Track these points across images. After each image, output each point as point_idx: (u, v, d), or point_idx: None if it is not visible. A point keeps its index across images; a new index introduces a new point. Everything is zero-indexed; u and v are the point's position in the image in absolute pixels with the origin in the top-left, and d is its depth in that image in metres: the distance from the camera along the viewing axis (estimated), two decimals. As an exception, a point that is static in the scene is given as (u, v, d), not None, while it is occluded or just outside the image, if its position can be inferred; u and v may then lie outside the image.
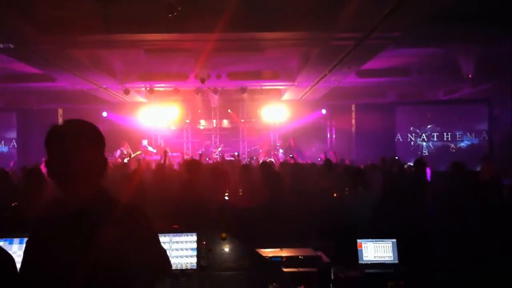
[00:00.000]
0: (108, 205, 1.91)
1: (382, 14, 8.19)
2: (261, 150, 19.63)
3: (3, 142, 17.51)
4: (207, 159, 16.69)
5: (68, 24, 8.86)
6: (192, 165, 7.20)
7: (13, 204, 4.46)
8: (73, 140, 1.87)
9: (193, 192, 5.97)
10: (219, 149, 19.39)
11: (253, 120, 20.79)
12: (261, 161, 16.05)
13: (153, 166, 12.03)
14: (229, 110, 20.68)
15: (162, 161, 10.62)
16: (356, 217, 5.64)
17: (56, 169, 1.86)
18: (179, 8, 7.83)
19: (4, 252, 1.90)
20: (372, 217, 5.60)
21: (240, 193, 6.38)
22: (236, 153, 16.39)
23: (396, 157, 12.68)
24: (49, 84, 14.97)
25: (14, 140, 17.40)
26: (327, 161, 9.60)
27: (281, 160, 16.20)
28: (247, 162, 14.62)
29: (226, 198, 6.02)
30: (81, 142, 1.88)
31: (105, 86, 15.41)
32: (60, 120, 17.50)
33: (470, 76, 13.50)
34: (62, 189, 1.87)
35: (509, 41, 11.09)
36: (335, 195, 7.24)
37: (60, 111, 17.84)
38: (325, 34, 9.67)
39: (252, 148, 20.31)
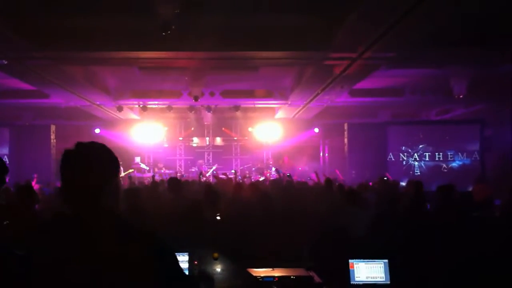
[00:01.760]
0: (120, 232, 1.89)
1: (376, 35, 8.27)
2: (254, 168, 19.63)
3: (-6, 157, 17.39)
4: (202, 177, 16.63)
5: (62, 40, 8.89)
6: (173, 183, 7.21)
7: (4, 223, 4.42)
8: (81, 163, 1.91)
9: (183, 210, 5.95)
10: (214, 167, 19.30)
11: (246, 138, 20.82)
12: (258, 178, 16.09)
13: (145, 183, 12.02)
14: (223, 128, 20.72)
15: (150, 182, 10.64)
16: (348, 237, 5.63)
17: (64, 192, 1.91)
18: (173, 27, 7.88)
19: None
20: (364, 237, 5.60)
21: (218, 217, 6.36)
22: (233, 171, 16.34)
23: (385, 177, 12.68)
24: (42, 100, 14.96)
25: (6, 156, 17.28)
26: (328, 181, 9.59)
27: (274, 178, 16.19)
28: (240, 181, 14.57)
29: (218, 218, 6.00)
30: (90, 165, 1.91)
31: (98, 103, 15.41)
32: (53, 137, 17.45)
33: (461, 96, 13.62)
34: (71, 211, 1.90)
35: (501, 63, 11.22)
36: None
37: (53, 127, 17.77)
38: (319, 54, 9.75)
39: (245, 166, 20.31)
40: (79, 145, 1.98)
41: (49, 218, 1.91)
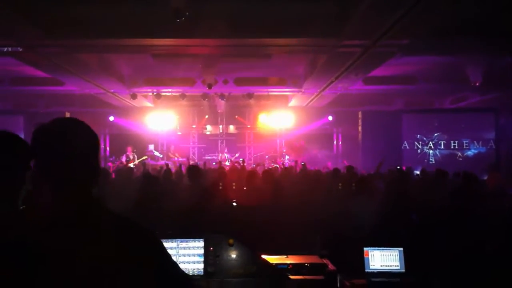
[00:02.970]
0: (98, 218, 1.73)
1: (390, 22, 8.18)
2: (267, 156, 19.63)
3: (10, 145, 17.50)
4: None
5: (76, 28, 8.91)
6: (192, 171, 7.22)
7: (21, 208, 4.44)
8: (57, 143, 1.75)
9: (199, 197, 5.97)
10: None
11: (259, 126, 20.78)
12: (272, 165, 16.08)
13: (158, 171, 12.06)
14: (236, 116, 20.70)
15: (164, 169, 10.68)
16: (362, 225, 5.62)
17: (39, 175, 1.75)
18: (187, 13, 7.86)
19: None
20: (379, 225, 5.58)
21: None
22: (241, 160, 16.37)
23: (398, 167, 12.58)
24: (57, 88, 15.04)
25: (21, 143, 17.40)
26: (336, 170, 9.57)
27: (287, 166, 16.19)
28: (253, 168, 14.58)
29: (234, 204, 6.01)
30: (66, 147, 1.75)
31: (112, 91, 15.45)
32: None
33: (477, 84, 13.47)
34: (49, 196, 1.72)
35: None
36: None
37: (67, 114, 17.87)
38: (332, 41, 9.67)
39: (258, 154, 20.31)
40: (56, 121, 1.84)
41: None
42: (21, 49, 9.95)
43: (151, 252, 1.77)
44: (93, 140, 1.81)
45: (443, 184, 8.00)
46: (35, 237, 1.63)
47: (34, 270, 1.57)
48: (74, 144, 1.75)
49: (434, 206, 6.43)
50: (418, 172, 12.71)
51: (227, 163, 17.45)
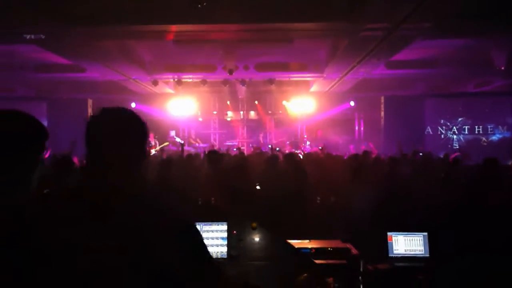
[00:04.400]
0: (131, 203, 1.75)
1: (412, 4, 8.04)
2: (288, 142, 19.57)
3: (33, 131, 17.75)
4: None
5: (98, 15, 8.94)
6: (211, 156, 7.23)
7: (45, 191, 4.49)
8: (107, 129, 1.81)
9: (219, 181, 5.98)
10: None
11: (280, 112, 20.73)
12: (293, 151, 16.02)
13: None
14: (256, 102, 20.67)
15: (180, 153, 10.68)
16: (386, 210, 5.58)
17: (89, 159, 1.81)
18: (204, 3, 7.82)
19: None
20: (402, 210, 5.53)
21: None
22: (270, 146, 16.31)
23: (421, 153, 12.43)
24: (79, 74, 15.16)
25: (44, 129, 17.62)
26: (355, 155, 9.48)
27: (308, 151, 16.12)
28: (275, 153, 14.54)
29: (258, 188, 6.01)
30: (115, 132, 1.81)
31: (134, 77, 15.53)
32: (90, 111, 17.74)
33: (502, 68, 13.21)
34: (93, 178, 1.80)
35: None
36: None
37: (89, 101, 18.06)
38: (354, 25, 9.55)
39: (279, 140, 20.29)
40: (106, 111, 1.87)
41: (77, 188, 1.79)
42: (43, 37, 10.02)
43: (178, 242, 1.75)
44: (144, 127, 1.90)
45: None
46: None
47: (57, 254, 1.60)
48: (134, 129, 1.87)
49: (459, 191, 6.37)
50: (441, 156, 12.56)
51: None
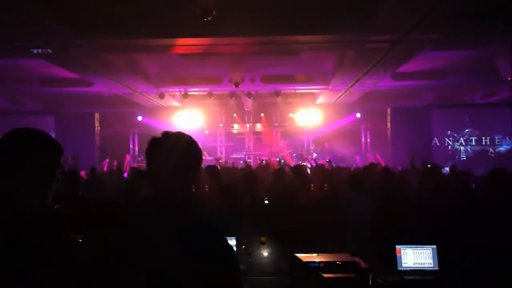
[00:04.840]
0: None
1: (419, 16, 8.04)
2: (294, 154, 19.56)
3: (41, 145, 17.80)
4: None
5: (104, 29, 9.00)
6: (210, 171, 7.21)
7: (55, 207, 4.51)
8: (171, 146, 2.05)
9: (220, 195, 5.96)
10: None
11: (287, 124, 20.74)
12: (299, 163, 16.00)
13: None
14: (262, 114, 20.69)
15: None
16: (393, 222, 5.54)
17: (153, 170, 2.04)
18: (214, 12, 7.86)
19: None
20: (410, 222, 5.50)
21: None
22: (278, 159, 16.31)
23: (429, 165, 12.36)
24: (86, 88, 15.25)
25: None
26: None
27: (314, 164, 16.10)
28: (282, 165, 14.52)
29: (266, 202, 5.99)
30: (177, 148, 2.05)
31: (140, 90, 15.59)
32: (97, 124, 17.82)
33: (509, 78, 13.17)
34: (156, 187, 2.03)
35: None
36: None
37: (97, 115, 18.12)
38: (360, 36, 9.56)
39: (286, 152, 20.26)
40: (167, 134, 2.12)
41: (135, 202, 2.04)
42: (51, 51, 10.09)
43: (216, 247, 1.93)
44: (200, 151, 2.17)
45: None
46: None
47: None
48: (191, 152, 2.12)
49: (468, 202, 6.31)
50: (447, 169, 12.51)
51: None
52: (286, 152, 19.58)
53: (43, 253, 1.81)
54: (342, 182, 8.08)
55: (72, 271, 1.83)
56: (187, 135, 2.14)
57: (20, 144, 1.95)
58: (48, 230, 1.91)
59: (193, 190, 2.11)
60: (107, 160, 15.35)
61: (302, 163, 15.62)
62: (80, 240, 2.02)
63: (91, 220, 2.18)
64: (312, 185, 7.40)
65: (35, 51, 10.07)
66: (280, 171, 8.09)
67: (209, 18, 7.93)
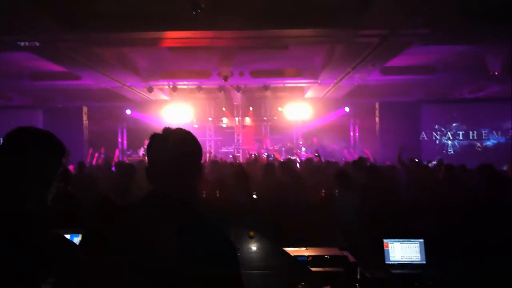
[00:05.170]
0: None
1: (408, 11, 8.06)
2: (283, 148, 19.59)
3: (29, 139, 17.69)
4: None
5: (93, 22, 8.94)
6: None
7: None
8: (175, 143, 2.01)
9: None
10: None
11: (276, 118, 20.75)
12: (288, 157, 16.01)
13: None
14: (250, 108, 20.68)
15: None
16: (381, 217, 5.58)
17: (158, 169, 1.98)
18: (203, 6, 7.83)
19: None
20: (399, 216, 5.54)
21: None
22: (266, 154, 16.31)
23: (416, 160, 12.43)
24: (74, 82, 15.13)
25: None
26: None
27: (304, 158, 16.13)
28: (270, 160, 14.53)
29: (255, 196, 6.00)
30: (181, 146, 2.02)
31: (128, 84, 15.50)
32: (85, 118, 17.73)
33: (496, 73, 13.26)
34: (162, 186, 1.98)
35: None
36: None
37: (85, 108, 18.02)
38: (350, 31, 9.57)
39: (275, 146, 20.29)
40: (168, 129, 2.07)
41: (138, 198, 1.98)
42: (38, 44, 10.00)
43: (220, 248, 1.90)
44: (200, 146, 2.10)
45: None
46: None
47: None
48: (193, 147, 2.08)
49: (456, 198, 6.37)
50: (435, 162, 12.59)
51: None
52: (272, 147, 19.61)
53: (43, 253, 1.84)
54: (331, 178, 8.11)
55: (72, 271, 1.85)
56: (187, 130, 2.10)
57: (21, 143, 1.97)
58: (48, 229, 1.93)
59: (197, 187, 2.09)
60: (90, 151, 15.23)
61: (291, 157, 15.66)
62: (80, 239, 2.00)
63: (89, 219, 2.16)
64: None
65: (22, 43, 9.97)
66: (270, 166, 8.09)
67: (198, 12, 7.90)
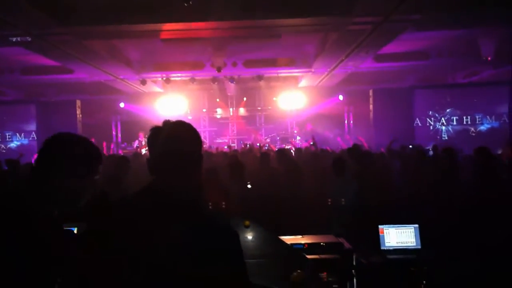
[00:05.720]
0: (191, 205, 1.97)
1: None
2: (278, 138, 19.62)
3: (22, 134, 17.69)
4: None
5: (85, 15, 8.89)
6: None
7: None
8: (174, 136, 2.01)
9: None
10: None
11: (270, 107, 20.76)
12: (283, 146, 16.04)
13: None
14: (244, 98, 20.67)
15: None
16: (376, 203, 5.62)
17: (158, 162, 2.00)
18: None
19: None
20: (393, 203, 5.57)
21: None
22: (258, 144, 16.31)
23: (410, 146, 12.46)
24: (67, 76, 15.07)
25: (33, 132, 17.56)
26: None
27: (298, 146, 16.14)
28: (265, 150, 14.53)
29: (249, 186, 6.00)
30: (180, 138, 2.02)
31: (122, 77, 15.46)
32: (78, 112, 17.68)
33: (489, 58, 13.28)
34: (162, 179, 1.99)
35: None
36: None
37: (78, 102, 17.96)
38: (343, 19, 9.55)
39: (270, 135, 20.31)
40: (168, 122, 2.08)
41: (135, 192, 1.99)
42: (30, 39, 9.94)
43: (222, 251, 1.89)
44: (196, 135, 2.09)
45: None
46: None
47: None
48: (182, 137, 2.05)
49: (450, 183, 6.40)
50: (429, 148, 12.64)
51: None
52: (265, 138, 19.69)
53: (45, 250, 1.85)
54: (327, 165, 8.13)
55: (73, 269, 1.88)
56: (187, 122, 2.10)
57: (52, 149, 2.06)
58: (49, 226, 1.95)
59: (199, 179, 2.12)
60: None
61: (286, 146, 15.69)
62: (78, 234, 2.03)
63: (86, 214, 2.17)
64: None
65: (14, 39, 9.92)
66: (265, 155, 8.10)
67: (190, 3, 7.87)
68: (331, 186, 6.46)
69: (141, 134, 16.41)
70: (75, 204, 2.07)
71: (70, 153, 2.04)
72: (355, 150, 8.79)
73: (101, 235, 1.88)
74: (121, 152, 16.22)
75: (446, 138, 17.20)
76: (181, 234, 1.80)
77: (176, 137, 2.00)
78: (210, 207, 4.81)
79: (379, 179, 6.72)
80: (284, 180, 6.64)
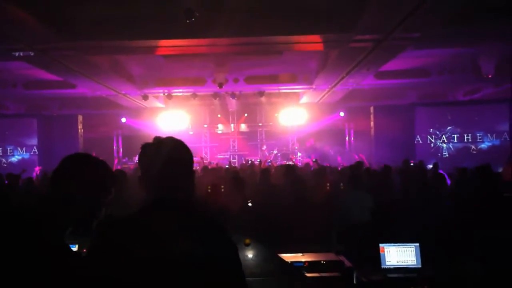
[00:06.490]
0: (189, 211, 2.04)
1: (402, 15, 8.10)
2: (279, 154, 19.62)
3: (24, 148, 17.70)
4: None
5: (86, 30, 8.94)
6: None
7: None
8: (169, 151, 2.06)
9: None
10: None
11: (271, 123, 20.81)
12: (284, 163, 16.01)
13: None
14: (245, 114, 20.72)
15: None
16: (377, 221, 5.61)
17: (149, 176, 2.04)
18: (197, 14, 7.85)
19: None
20: (394, 221, 5.56)
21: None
22: (259, 160, 16.31)
23: (412, 163, 12.48)
24: (69, 90, 15.12)
25: (35, 147, 17.58)
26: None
27: (299, 163, 16.16)
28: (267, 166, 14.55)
29: (250, 204, 5.99)
30: (175, 153, 2.08)
31: (123, 92, 15.51)
32: (80, 126, 17.73)
33: (490, 76, 13.32)
34: (158, 192, 2.02)
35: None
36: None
37: (80, 117, 18.02)
38: (344, 36, 9.60)
39: (271, 151, 20.32)
40: (159, 138, 2.12)
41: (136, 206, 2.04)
42: (32, 53, 10.00)
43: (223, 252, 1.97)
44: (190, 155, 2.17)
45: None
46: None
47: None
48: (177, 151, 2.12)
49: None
50: (430, 166, 12.65)
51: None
52: (270, 153, 19.70)
53: (51, 254, 1.89)
54: (333, 183, 8.17)
55: (81, 271, 1.90)
56: (177, 139, 2.14)
57: (69, 169, 2.09)
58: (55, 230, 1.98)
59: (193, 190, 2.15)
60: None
61: (287, 162, 15.68)
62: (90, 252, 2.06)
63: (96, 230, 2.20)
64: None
65: (17, 54, 9.97)
66: (265, 171, 8.10)
67: (192, 20, 7.92)
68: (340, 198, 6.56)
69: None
70: (90, 223, 2.10)
71: (87, 173, 2.08)
72: (357, 168, 8.84)
73: (116, 250, 1.88)
74: (119, 167, 16.24)
75: (447, 155, 17.19)
76: (183, 242, 1.84)
77: (169, 152, 2.05)
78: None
79: (379, 195, 6.77)
80: (287, 196, 6.63)
